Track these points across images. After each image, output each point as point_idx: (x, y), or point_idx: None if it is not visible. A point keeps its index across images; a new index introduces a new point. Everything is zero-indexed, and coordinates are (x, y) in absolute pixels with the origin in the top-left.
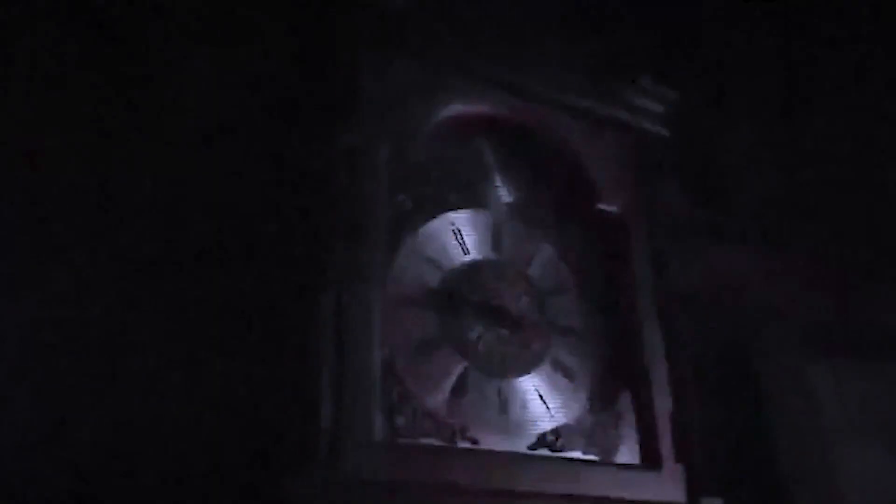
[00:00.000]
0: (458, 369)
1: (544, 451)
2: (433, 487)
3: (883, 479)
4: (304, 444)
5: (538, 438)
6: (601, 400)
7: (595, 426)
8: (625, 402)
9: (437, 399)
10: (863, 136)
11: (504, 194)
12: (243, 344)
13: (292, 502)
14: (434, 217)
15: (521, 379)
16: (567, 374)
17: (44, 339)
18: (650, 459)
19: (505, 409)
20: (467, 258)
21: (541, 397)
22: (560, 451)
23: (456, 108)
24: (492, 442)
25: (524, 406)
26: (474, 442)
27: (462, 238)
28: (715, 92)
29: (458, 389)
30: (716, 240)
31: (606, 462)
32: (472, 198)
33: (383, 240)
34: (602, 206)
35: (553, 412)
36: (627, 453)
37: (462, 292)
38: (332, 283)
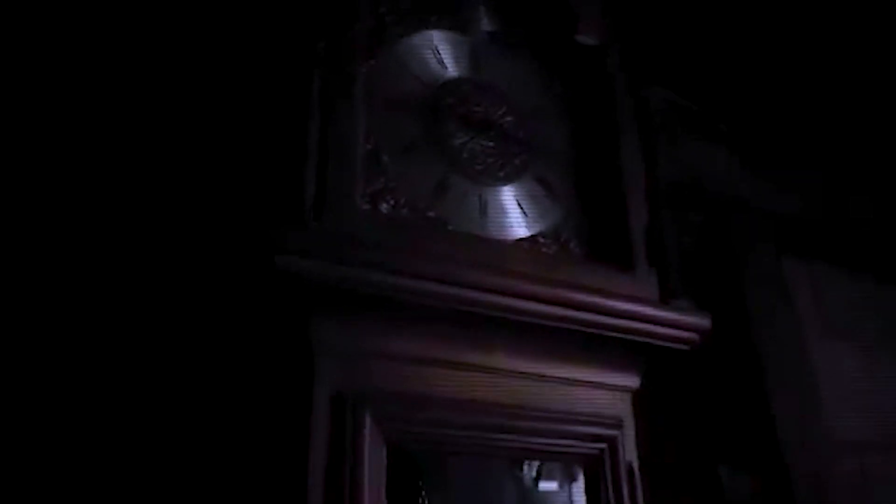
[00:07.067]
0: (440, 171)
1: None
2: (412, 253)
3: (852, 373)
4: (292, 206)
5: (515, 241)
6: (579, 212)
7: (571, 235)
8: (601, 214)
9: (420, 195)
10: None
11: (484, 22)
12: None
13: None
14: (414, 33)
15: (502, 188)
16: (547, 187)
17: None
18: (624, 264)
19: (484, 213)
20: (449, 74)
21: (520, 206)
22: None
23: None
24: None
25: (503, 212)
26: None
27: (441, 56)
28: None
29: (439, 189)
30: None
31: (581, 261)
32: (452, 22)
33: (365, 41)
34: (580, 39)
35: (531, 220)
36: (603, 260)
37: (446, 103)
38: (319, 67)
